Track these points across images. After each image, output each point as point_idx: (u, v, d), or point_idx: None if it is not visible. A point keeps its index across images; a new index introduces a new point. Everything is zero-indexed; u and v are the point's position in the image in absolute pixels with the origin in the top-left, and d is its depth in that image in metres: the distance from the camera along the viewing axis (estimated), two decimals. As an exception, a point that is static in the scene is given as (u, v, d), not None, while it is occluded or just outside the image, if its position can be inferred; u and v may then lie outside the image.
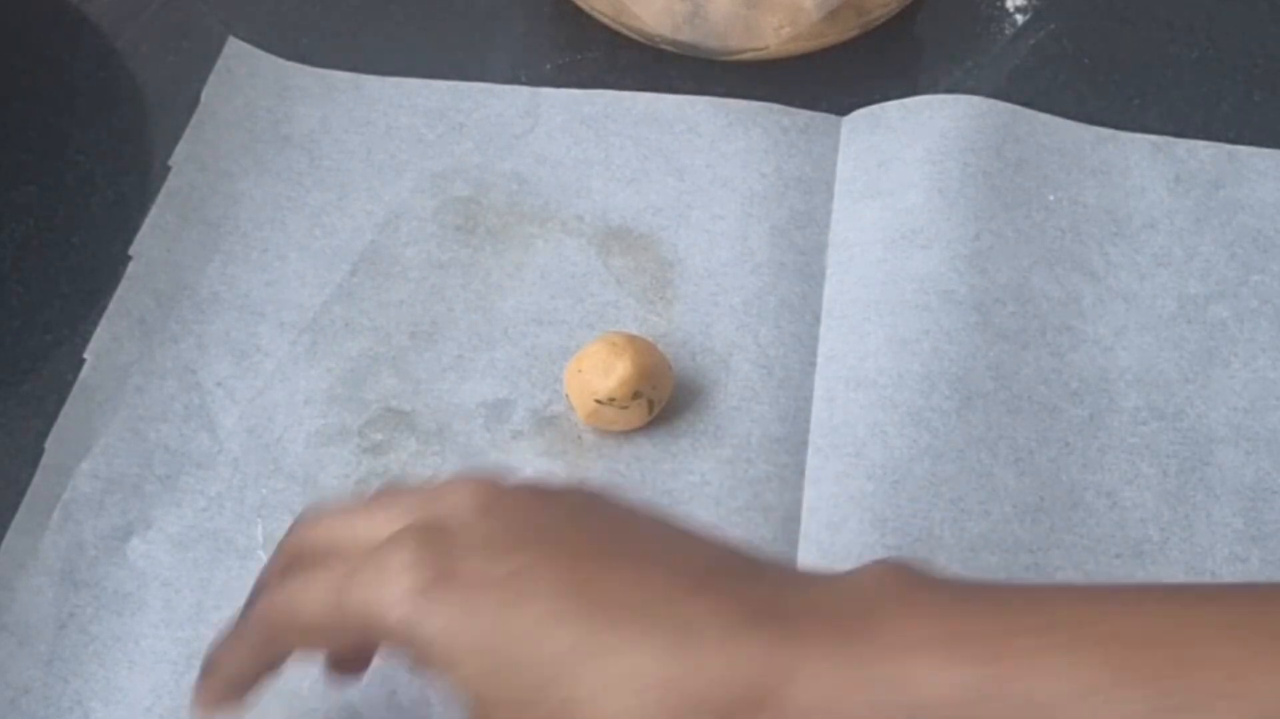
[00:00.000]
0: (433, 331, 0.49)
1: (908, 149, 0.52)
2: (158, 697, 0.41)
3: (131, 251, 0.50)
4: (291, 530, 0.37)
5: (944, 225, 0.50)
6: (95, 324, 0.48)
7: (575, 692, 0.30)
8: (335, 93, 0.55)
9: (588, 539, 0.32)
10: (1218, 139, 0.53)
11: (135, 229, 0.50)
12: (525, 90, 0.55)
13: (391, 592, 0.31)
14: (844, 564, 0.33)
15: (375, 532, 0.33)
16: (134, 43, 0.57)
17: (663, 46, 0.55)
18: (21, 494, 0.44)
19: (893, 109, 0.53)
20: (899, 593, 0.31)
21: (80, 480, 0.45)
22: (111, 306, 0.48)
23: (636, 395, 0.45)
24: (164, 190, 0.51)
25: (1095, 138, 0.53)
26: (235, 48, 0.55)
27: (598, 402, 0.45)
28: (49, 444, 0.45)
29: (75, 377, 0.47)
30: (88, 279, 0.50)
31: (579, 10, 0.56)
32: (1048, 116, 0.53)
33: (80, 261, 0.51)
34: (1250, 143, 0.53)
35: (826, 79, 0.55)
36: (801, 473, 0.46)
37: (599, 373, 0.45)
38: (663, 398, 0.46)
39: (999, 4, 0.58)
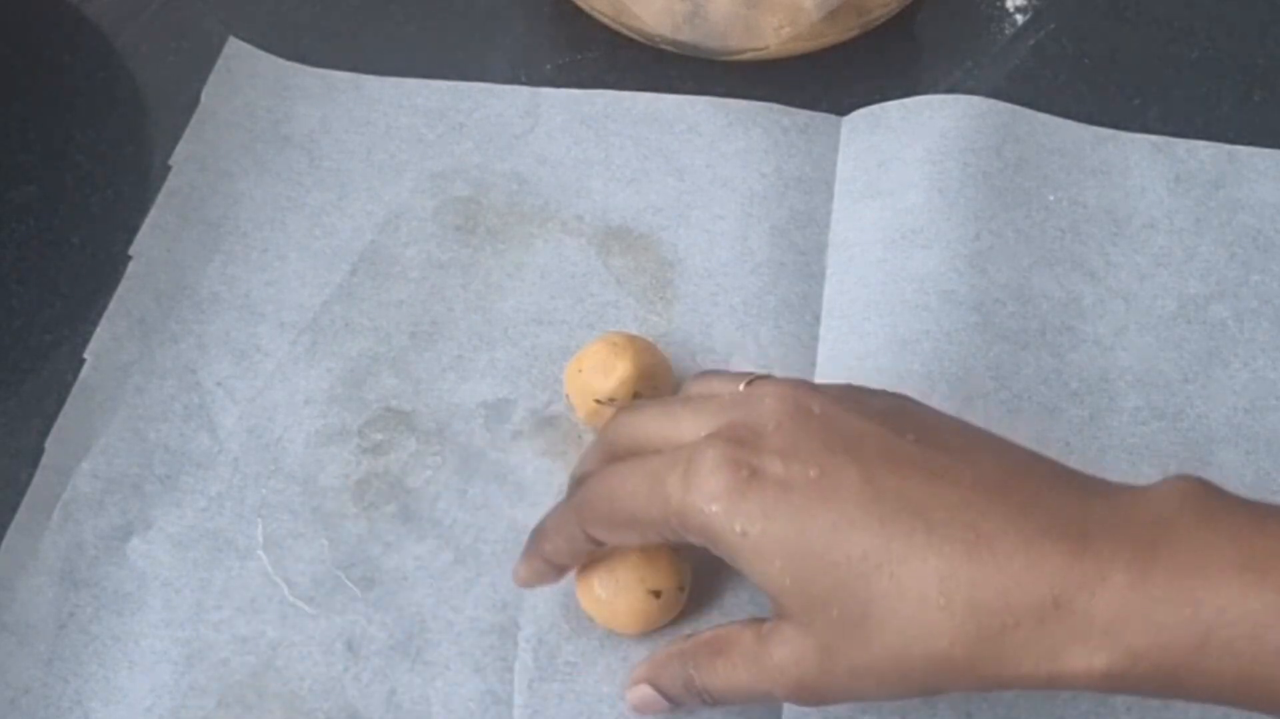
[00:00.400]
0: (433, 332, 0.49)
1: (908, 149, 0.52)
2: (158, 697, 0.41)
3: (131, 251, 0.50)
4: (611, 423, 0.39)
5: (944, 225, 0.50)
6: (95, 324, 0.48)
7: (866, 595, 0.32)
8: (335, 93, 0.55)
9: (890, 447, 0.34)
10: (1218, 139, 0.53)
11: (135, 229, 0.50)
12: (525, 90, 0.55)
13: (705, 488, 0.33)
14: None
15: (691, 430, 0.35)
16: (134, 43, 0.57)
17: (663, 46, 0.55)
18: (21, 494, 0.44)
19: (893, 109, 0.53)
20: (1198, 511, 0.31)
21: (80, 480, 0.45)
22: (111, 306, 0.48)
23: (636, 395, 0.45)
24: (164, 190, 0.51)
25: (1095, 138, 0.53)
26: (235, 48, 0.55)
27: (598, 401, 0.45)
28: (49, 444, 0.45)
29: (75, 377, 0.47)
30: (88, 279, 0.50)
31: (579, 10, 0.56)
32: (1048, 116, 0.53)
33: (80, 261, 0.51)
34: (1250, 143, 0.53)
35: (826, 79, 0.55)
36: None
37: (599, 373, 0.45)
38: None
39: (999, 4, 0.58)
